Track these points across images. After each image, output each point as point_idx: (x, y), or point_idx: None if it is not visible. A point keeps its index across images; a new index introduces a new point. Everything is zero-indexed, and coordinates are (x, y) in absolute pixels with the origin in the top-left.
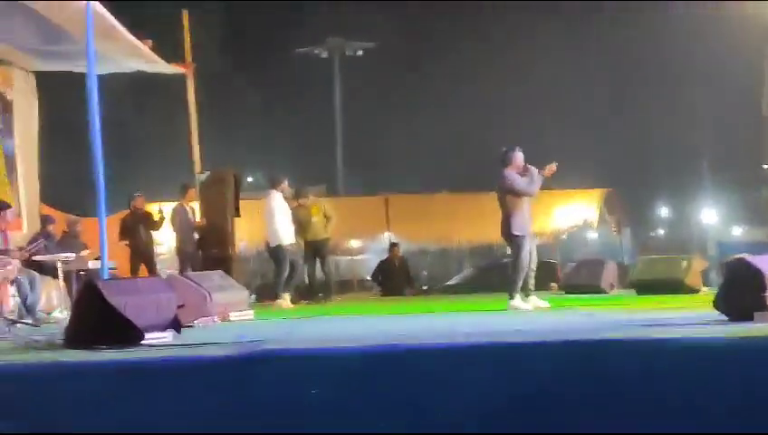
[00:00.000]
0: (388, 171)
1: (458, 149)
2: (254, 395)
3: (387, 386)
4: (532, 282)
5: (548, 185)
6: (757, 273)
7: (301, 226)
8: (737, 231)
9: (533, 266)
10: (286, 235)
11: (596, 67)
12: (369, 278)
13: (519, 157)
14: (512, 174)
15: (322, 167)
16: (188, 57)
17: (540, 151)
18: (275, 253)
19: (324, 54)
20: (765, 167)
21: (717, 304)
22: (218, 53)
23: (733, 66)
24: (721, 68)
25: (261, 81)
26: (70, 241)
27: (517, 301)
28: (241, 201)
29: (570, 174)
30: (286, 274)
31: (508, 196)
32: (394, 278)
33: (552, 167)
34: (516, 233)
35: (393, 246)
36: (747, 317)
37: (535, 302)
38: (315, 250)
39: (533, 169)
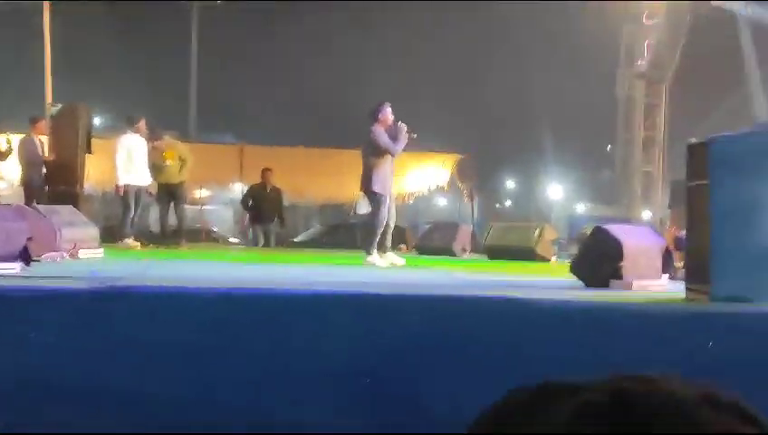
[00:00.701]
0: (243, 122)
1: (315, 105)
2: (110, 331)
3: (246, 329)
4: (389, 239)
5: (407, 147)
6: (616, 243)
7: (154, 168)
8: (581, 207)
9: (392, 224)
10: (131, 175)
11: (458, 33)
12: (216, 229)
13: (387, 112)
14: (378, 130)
15: (176, 112)
16: None
17: (395, 111)
18: (120, 193)
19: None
20: (608, 149)
21: (574, 269)
22: None
23: (591, 46)
24: (579, 47)
25: (117, 21)
26: None
27: (374, 257)
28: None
29: (424, 136)
30: (130, 215)
31: (372, 152)
32: (264, 205)
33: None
34: (376, 190)
35: (266, 170)
36: (603, 285)
37: (392, 259)
38: (169, 194)
39: (402, 126)
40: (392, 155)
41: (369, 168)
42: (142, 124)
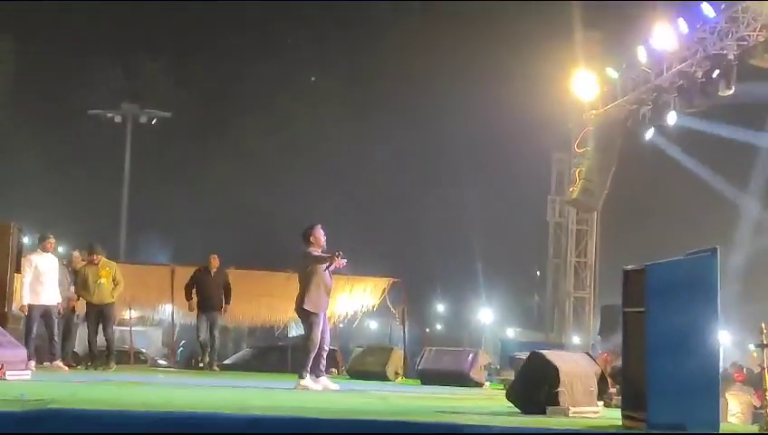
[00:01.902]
0: (175, 242)
1: (246, 226)
2: None
3: None
4: (323, 363)
5: (342, 271)
6: (553, 368)
7: (85, 285)
8: (511, 332)
9: (326, 347)
10: (37, 295)
11: (389, 156)
12: (144, 350)
13: (320, 233)
14: (313, 251)
15: (106, 232)
16: None
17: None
18: (23, 312)
19: (118, 119)
20: (538, 274)
21: (510, 396)
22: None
23: (521, 173)
24: (510, 174)
25: (49, 139)
26: None
27: (307, 381)
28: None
29: (354, 260)
30: (32, 335)
31: (305, 273)
32: (208, 290)
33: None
34: (309, 309)
35: (211, 254)
36: (539, 411)
37: (326, 384)
38: (98, 314)
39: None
40: (311, 266)
41: (303, 288)
42: (50, 243)
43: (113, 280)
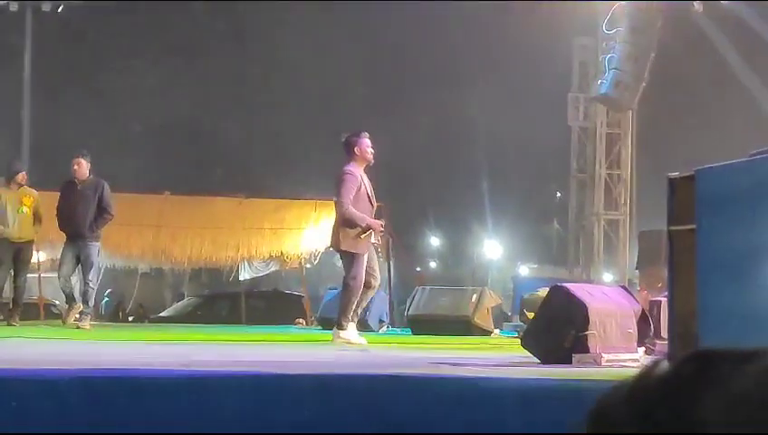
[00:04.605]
0: (93, 165)
1: (183, 140)
2: None
3: (111, 415)
4: (362, 307)
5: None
6: (580, 306)
7: (2, 215)
8: (525, 269)
9: (375, 284)
10: None
11: (366, 46)
12: (58, 302)
13: (366, 144)
14: (350, 171)
15: (1, 152)
16: None
17: (280, 149)
18: None
19: (13, 7)
20: (559, 195)
21: (526, 342)
22: None
23: (533, 66)
24: (519, 67)
25: None
26: None
27: (349, 332)
28: None
29: (321, 180)
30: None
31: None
32: (72, 208)
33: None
34: (348, 250)
35: (76, 157)
36: (563, 360)
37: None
38: (15, 254)
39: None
40: (340, 210)
41: (338, 222)
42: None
43: (35, 212)
